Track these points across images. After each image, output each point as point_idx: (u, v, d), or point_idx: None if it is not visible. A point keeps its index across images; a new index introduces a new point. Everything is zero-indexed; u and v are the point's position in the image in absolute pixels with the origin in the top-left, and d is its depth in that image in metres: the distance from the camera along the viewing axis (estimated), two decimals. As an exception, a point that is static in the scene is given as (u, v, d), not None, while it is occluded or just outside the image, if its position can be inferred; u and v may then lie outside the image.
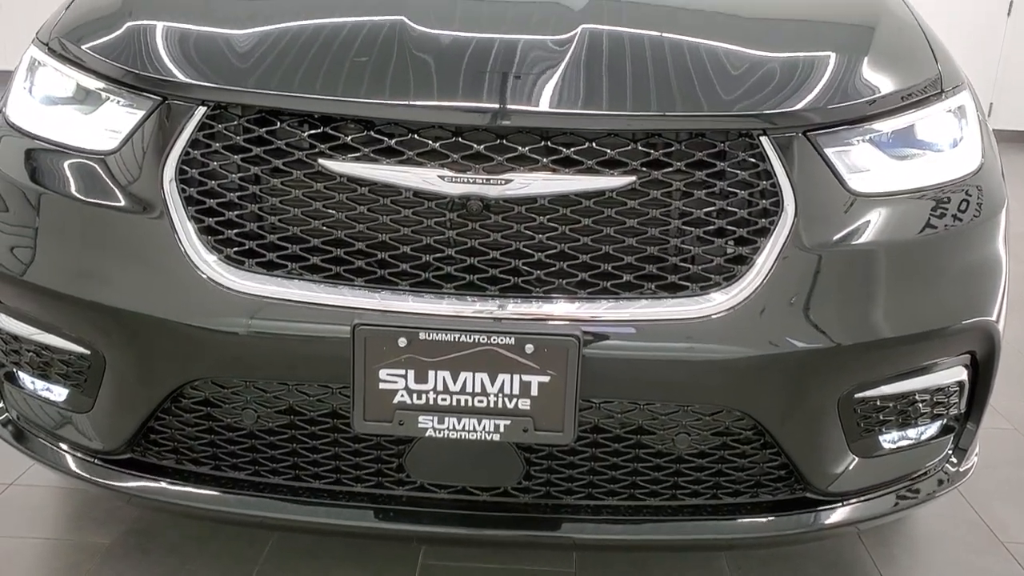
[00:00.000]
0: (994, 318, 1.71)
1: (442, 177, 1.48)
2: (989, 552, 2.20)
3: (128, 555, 2.00)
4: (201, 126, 1.55)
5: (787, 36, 1.76)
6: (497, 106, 1.50)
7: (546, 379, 1.48)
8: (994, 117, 8.73)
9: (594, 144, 1.51)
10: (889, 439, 1.72)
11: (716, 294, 1.52)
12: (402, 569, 1.98)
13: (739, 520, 1.64)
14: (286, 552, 2.02)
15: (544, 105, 1.50)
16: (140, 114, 1.59)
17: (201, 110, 1.55)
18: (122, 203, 1.57)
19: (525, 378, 1.48)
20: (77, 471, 1.69)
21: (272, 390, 1.57)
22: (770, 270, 1.52)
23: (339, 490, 1.63)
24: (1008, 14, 8.55)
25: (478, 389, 1.48)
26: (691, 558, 2.06)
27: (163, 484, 1.66)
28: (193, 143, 1.55)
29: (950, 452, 1.81)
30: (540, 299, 1.50)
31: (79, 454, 1.70)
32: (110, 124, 1.63)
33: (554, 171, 1.50)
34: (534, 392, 1.48)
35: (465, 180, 1.48)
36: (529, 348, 1.46)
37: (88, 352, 1.62)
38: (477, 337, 1.46)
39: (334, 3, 1.76)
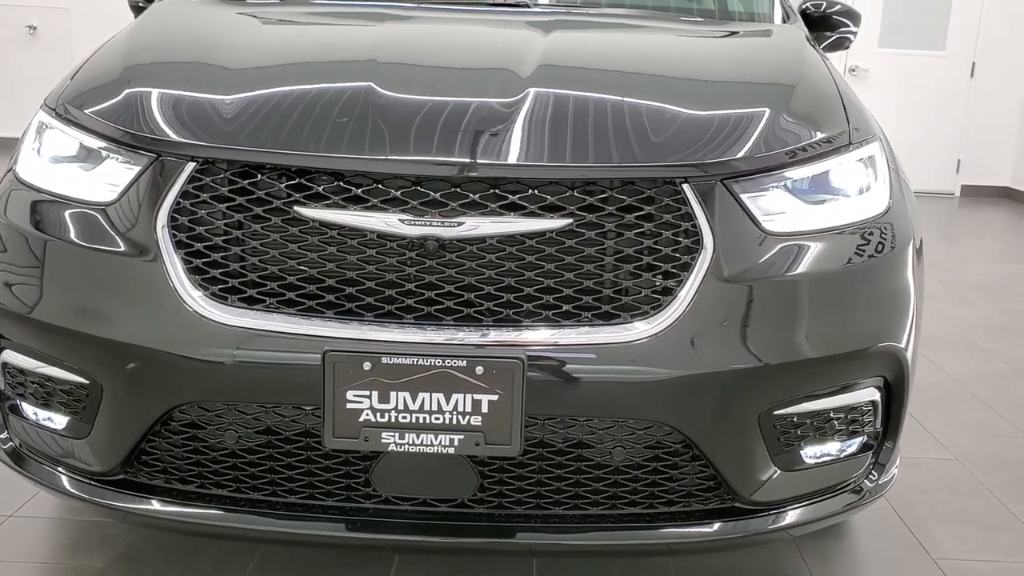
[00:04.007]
0: (902, 345, 1.91)
1: (402, 220, 1.69)
2: (920, 567, 2.37)
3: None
4: (190, 179, 1.76)
5: (712, 96, 1.98)
6: (450, 159, 1.71)
7: (495, 397, 1.67)
8: (963, 172, 9.06)
9: (536, 191, 1.73)
10: (810, 454, 1.90)
11: (643, 322, 1.72)
12: (374, 586, 2.15)
13: (673, 528, 1.81)
14: (267, 570, 2.19)
15: (492, 158, 1.72)
16: (137, 169, 1.80)
17: (191, 165, 1.76)
18: (120, 248, 1.77)
19: (476, 397, 1.67)
20: (73, 491, 1.87)
21: (252, 412, 1.76)
22: (691, 301, 1.72)
23: (313, 504, 1.81)
24: (971, 75, 8.92)
25: (435, 407, 1.67)
26: (641, 568, 2.23)
27: (153, 502, 1.83)
28: (183, 194, 1.76)
29: (870, 467, 1.99)
30: (489, 327, 1.70)
31: (76, 476, 1.87)
32: (110, 179, 1.83)
33: (501, 215, 1.71)
34: (484, 409, 1.68)
35: (422, 223, 1.69)
36: (479, 370, 1.66)
37: (87, 382, 1.81)
38: (433, 361, 1.66)
39: (310, 71, 1.99)
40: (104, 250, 1.78)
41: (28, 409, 1.94)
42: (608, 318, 1.73)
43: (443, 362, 1.66)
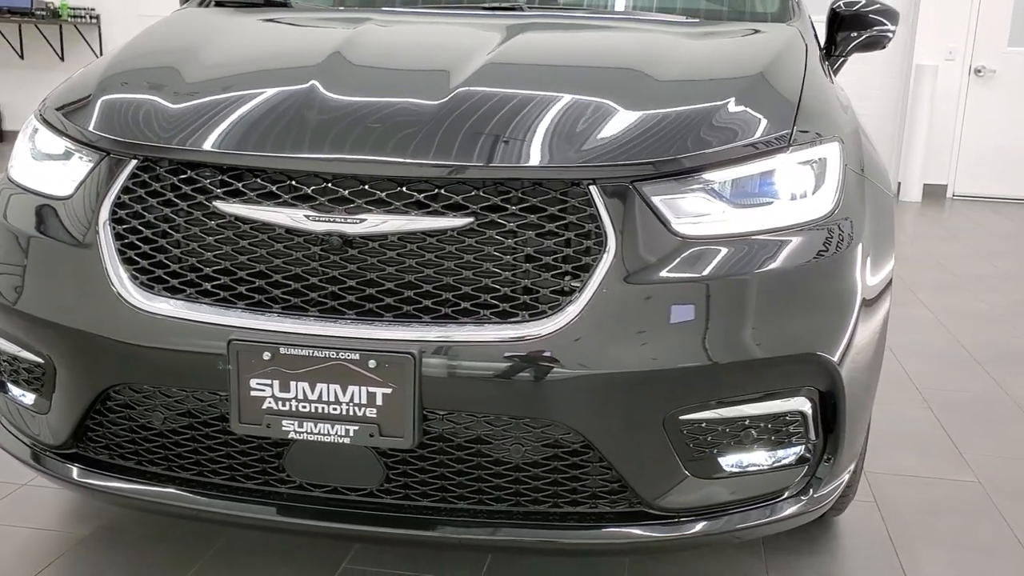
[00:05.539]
0: (833, 355, 1.84)
1: (308, 217, 1.76)
2: (890, 589, 2.27)
3: (99, 545, 2.32)
4: (131, 176, 1.88)
5: (649, 97, 1.95)
6: (357, 157, 1.77)
7: (389, 391, 1.72)
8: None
9: (443, 190, 1.76)
10: (731, 462, 1.86)
11: (540, 321, 1.72)
12: (324, 572, 2.23)
13: (576, 529, 1.81)
14: (233, 551, 2.30)
15: (398, 156, 1.76)
16: (90, 166, 1.94)
17: (132, 163, 1.89)
18: (69, 238, 1.92)
19: (371, 390, 1.72)
20: (31, 463, 2.03)
21: (174, 396, 1.87)
22: (589, 302, 1.72)
23: (236, 486, 1.90)
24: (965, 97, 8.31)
25: (332, 398, 1.74)
26: (594, 570, 2.22)
27: (97, 476, 1.97)
28: (125, 190, 1.88)
29: (807, 481, 1.93)
30: (385, 321, 1.75)
31: (37, 449, 2.04)
32: (70, 176, 1.98)
33: (404, 213, 1.76)
34: (379, 402, 1.73)
35: (327, 220, 1.76)
36: (372, 363, 1.71)
37: (43, 361, 1.96)
38: (328, 353, 1.72)
39: (262, 74, 2.09)
40: (57, 239, 1.93)
41: (9, 387, 2.11)
42: (506, 316, 1.74)
43: (337, 354, 1.72)
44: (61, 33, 9.60)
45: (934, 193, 8.63)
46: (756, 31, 2.52)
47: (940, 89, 8.34)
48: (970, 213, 7.97)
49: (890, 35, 2.97)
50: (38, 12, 9.28)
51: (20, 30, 9.62)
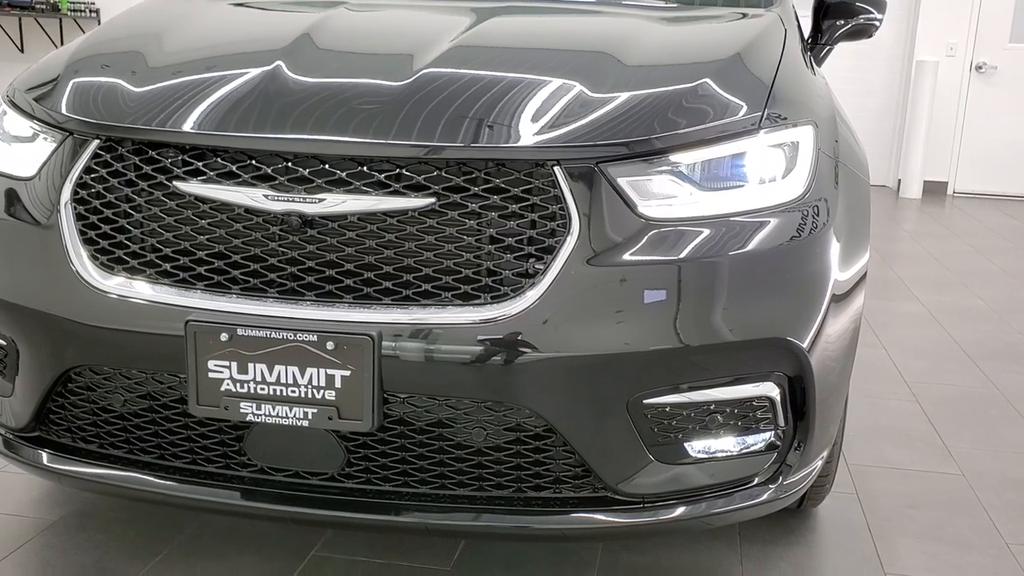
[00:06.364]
0: (802, 340, 1.81)
1: (266, 196, 1.74)
2: (864, 580, 2.24)
3: (67, 531, 2.31)
4: (93, 156, 1.86)
5: (617, 79, 1.92)
6: (317, 136, 1.74)
7: (347, 373, 1.69)
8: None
9: (404, 171, 1.74)
10: (698, 448, 1.83)
11: (501, 304, 1.70)
12: (293, 560, 2.21)
13: (537, 514, 1.79)
14: (202, 537, 2.28)
15: (358, 136, 1.73)
16: (52, 147, 1.92)
17: (94, 143, 1.86)
18: (31, 218, 1.90)
19: (329, 372, 1.70)
20: (-1, 448, 2.02)
21: (135, 378, 1.85)
22: (551, 284, 1.69)
23: (197, 469, 1.88)
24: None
25: (290, 380, 1.71)
26: (567, 556, 2.20)
27: (61, 459, 1.95)
28: (87, 170, 1.86)
29: (776, 468, 1.90)
30: (344, 302, 1.73)
31: (3, 433, 2.02)
32: (34, 156, 1.96)
33: (364, 193, 1.73)
34: (338, 384, 1.70)
35: (285, 199, 1.73)
36: (330, 345, 1.68)
37: (5, 344, 1.94)
38: (285, 334, 1.70)
39: (226, 57, 2.07)
40: (19, 220, 1.91)
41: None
42: (467, 298, 1.72)
43: (296, 336, 1.69)
44: (61, 27, 9.59)
45: (934, 190, 8.57)
46: (734, 16, 2.49)
47: (941, 85, 8.28)
48: (970, 210, 7.92)
49: (877, 24, 2.93)
50: (38, 6, 9.28)
51: (20, 24, 9.62)
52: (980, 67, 8.36)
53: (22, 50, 9.77)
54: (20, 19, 9.53)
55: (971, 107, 8.45)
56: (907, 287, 5.15)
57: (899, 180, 8.45)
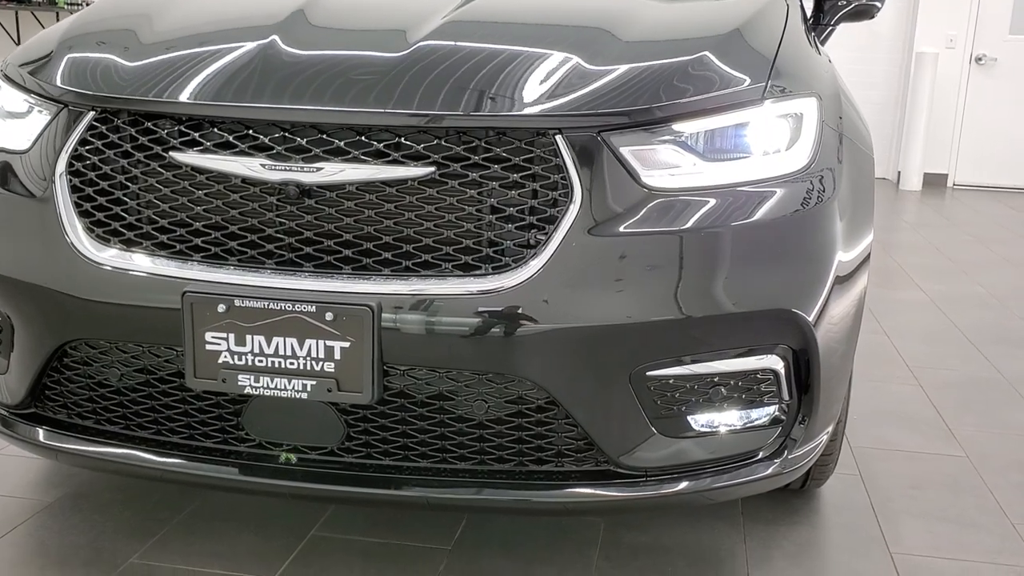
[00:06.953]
0: (807, 313, 1.78)
1: (263, 165, 1.71)
2: (868, 559, 2.21)
3: (63, 511, 2.28)
4: (88, 128, 1.84)
5: (619, 50, 1.89)
6: (315, 106, 1.72)
7: (347, 344, 1.67)
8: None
9: (403, 139, 1.72)
10: (701, 421, 1.81)
11: (503, 274, 1.67)
12: (291, 539, 2.18)
13: (540, 488, 1.76)
14: (200, 517, 2.26)
15: (356, 105, 1.71)
16: (47, 119, 1.90)
17: (90, 115, 1.84)
18: (25, 191, 1.87)
19: (329, 343, 1.68)
20: (-9, 426, 1.99)
21: (131, 352, 1.82)
22: (553, 254, 1.67)
23: (195, 444, 1.86)
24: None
25: (289, 352, 1.69)
26: (566, 536, 2.18)
27: (57, 435, 1.92)
28: (82, 142, 1.84)
29: (781, 442, 1.87)
30: (343, 273, 1.70)
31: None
32: (29, 129, 1.94)
33: (363, 162, 1.71)
34: (337, 356, 1.68)
35: (283, 168, 1.71)
36: (329, 316, 1.66)
37: (0, 319, 1.92)
38: (284, 305, 1.67)
39: (222, 30, 2.04)
40: (14, 193, 1.89)
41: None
42: (468, 269, 1.70)
43: (294, 307, 1.67)
44: (57, 20, 9.56)
45: (934, 182, 8.55)
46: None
47: (941, 77, 8.26)
48: (970, 202, 7.91)
49: (878, 5, 2.92)
50: (35, -1, 9.26)
51: (16, 17, 9.59)
52: (980, 59, 8.34)
53: (18, 43, 9.73)
54: (16, 12, 9.50)
55: (971, 99, 8.43)
56: (908, 275, 5.13)
57: (899, 172, 8.43)
